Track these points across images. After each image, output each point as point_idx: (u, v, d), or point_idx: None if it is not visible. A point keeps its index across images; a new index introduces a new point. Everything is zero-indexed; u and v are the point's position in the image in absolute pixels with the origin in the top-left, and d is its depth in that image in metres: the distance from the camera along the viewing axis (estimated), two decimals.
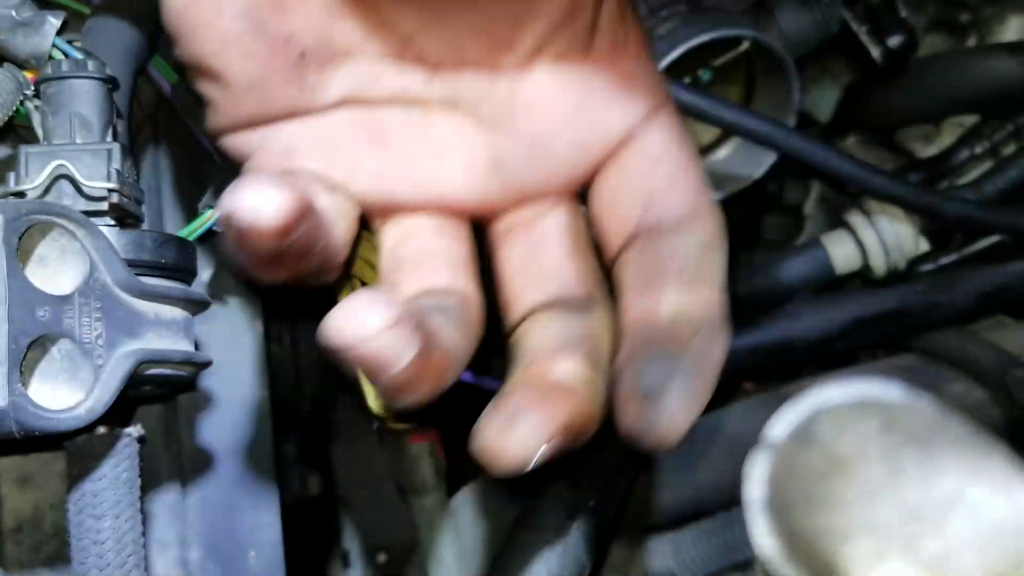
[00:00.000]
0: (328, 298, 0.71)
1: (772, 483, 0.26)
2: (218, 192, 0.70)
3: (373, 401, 0.74)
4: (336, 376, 1.05)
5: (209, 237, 0.72)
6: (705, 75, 0.98)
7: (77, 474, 0.60)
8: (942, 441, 0.24)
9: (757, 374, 0.95)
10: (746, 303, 0.91)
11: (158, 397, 0.70)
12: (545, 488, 0.74)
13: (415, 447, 0.76)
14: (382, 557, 0.99)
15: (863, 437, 0.25)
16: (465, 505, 0.88)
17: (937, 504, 0.23)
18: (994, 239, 0.95)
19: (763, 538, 0.25)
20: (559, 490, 0.73)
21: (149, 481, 0.69)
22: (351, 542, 1.03)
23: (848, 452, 0.25)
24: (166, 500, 0.72)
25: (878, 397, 0.26)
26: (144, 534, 0.62)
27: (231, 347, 0.74)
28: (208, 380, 0.74)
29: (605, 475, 0.75)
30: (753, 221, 1.22)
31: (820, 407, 0.27)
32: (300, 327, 0.97)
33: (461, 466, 1.15)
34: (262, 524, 0.75)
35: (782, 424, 0.27)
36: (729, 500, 0.88)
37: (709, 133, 1.08)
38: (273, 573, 0.75)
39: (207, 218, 0.69)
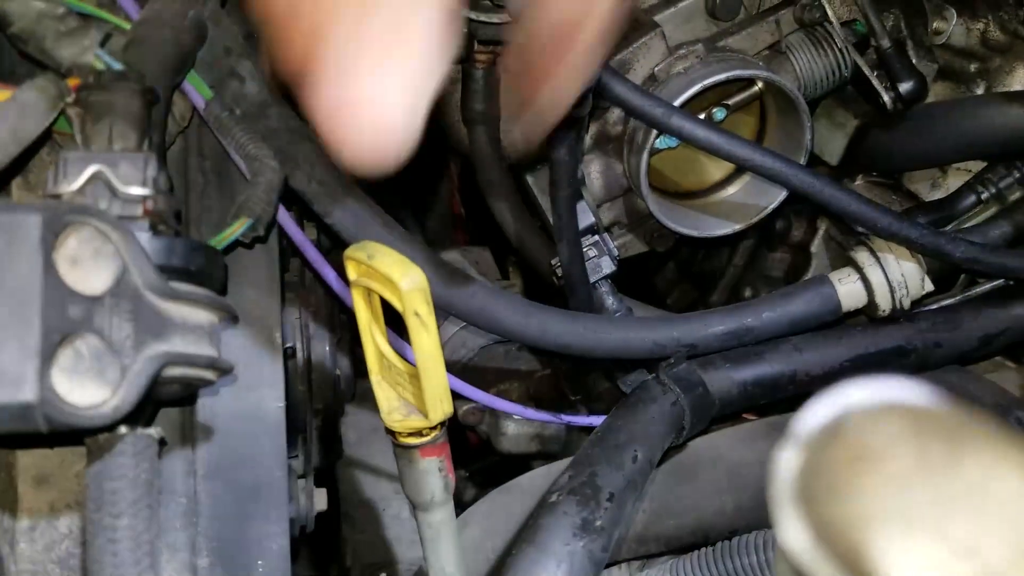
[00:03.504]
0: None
1: (800, 476, 0.27)
2: (246, 204, 0.72)
3: (387, 416, 0.75)
4: (347, 392, 1.06)
5: (235, 247, 0.74)
6: (719, 113, 1.00)
7: (97, 472, 0.61)
8: (968, 435, 0.26)
9: (760, 406, 0.96)
10: (751, 335, 0.93)
11: (178, 400, 0.72)
12: (552, 506, 0.75)
13: (425, 462, 0.77)
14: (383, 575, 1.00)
15: (892, 430, 0.26)
16: (472, 522, 0.89)
17: (965, 493, 0.24)
18: (997, 282, 0.96)
19: (792, 529, 0.26)
20: (566, 509, 0.74)
21: (162, 485, 0.70)
22: (354, 559, 1.04)
23: (877, 444, 0.26)
24: (178, 505, 0.73)
25: (904, 398, 0.28)
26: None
27: (250, 357, 0.76)
28: (225, 388, 0.75)
29: (613, 495, 0.76)
30: (760, 257, 1.24)
31: (848, 405, 0.28)
32: (314, 342, 0.98)
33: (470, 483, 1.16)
34: (271, 534, 0.76)
35: (810, 420, 0.28)
36: (731, 528, 0.89)
37: (720, 170, 1.10)
38: None
39: (234, 229, 0.70)
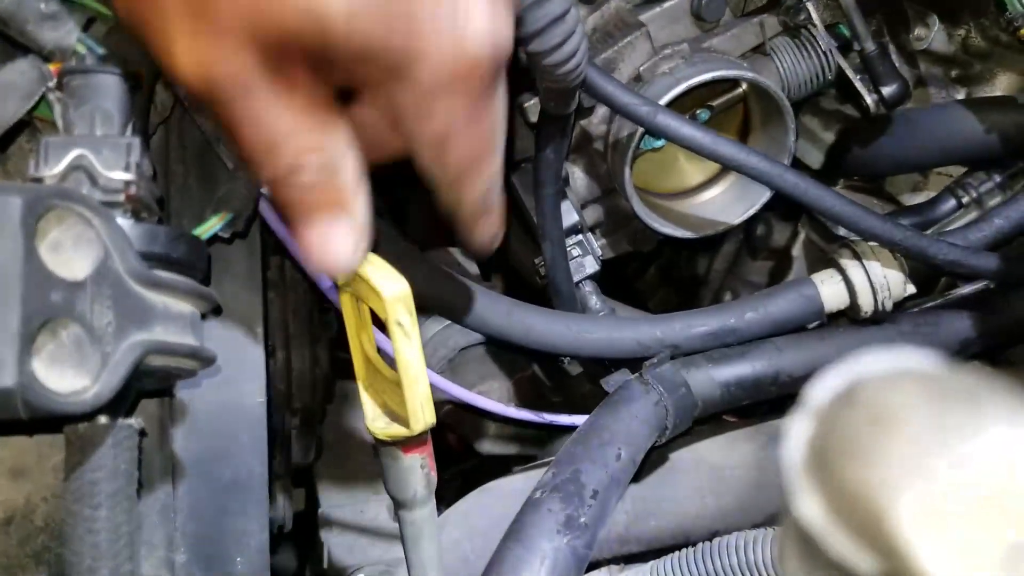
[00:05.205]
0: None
1: (814, 444, 0.27)
2: (227, 198, 0.71)
3: (371, 423, 0.73)
4: (326, 392, 1.05)
5: (214, 241, 0.72)
6: (703, 115, 1.01)
7: (76, 462, 0.59)
8: (987, 397, 0.25)
9: (741, 407, 0.96)
10: (734, 336, 0.93)
11: (158, 390, 0.70)
12: (536, 503, 0.75)
13: (408, 459, 0.76)
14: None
15: (910, 392, 0.26)
16: (451, 523, 0.88)
17: (986, 454, 0.24)
18: (977, 286, 0.97)
19: (805, 499, 0.26)
20: (550, 506, 0.74)
21: (140, 481, 0.69)
22: (330, 561, 1.02)
23: (895, 406, 0.25)
24: (156, 501, 0.72)
25: (918, 367, 0.27)
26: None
27: (232, 351, 0.74)
28: (205, 382, 0.74)
29: (596, 492, 0.75)
30: (742, 263, 1.24)
31: (862, 373, 0.28)
32: (294, 341, 0.97)
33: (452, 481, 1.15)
34: (250, 531, 0.75)
35: (823, 388, 0.28)
36: (712, 529, 0.89)
37: (701, 173, 1.10)
38: None
39: (214, 223, 0.69)
